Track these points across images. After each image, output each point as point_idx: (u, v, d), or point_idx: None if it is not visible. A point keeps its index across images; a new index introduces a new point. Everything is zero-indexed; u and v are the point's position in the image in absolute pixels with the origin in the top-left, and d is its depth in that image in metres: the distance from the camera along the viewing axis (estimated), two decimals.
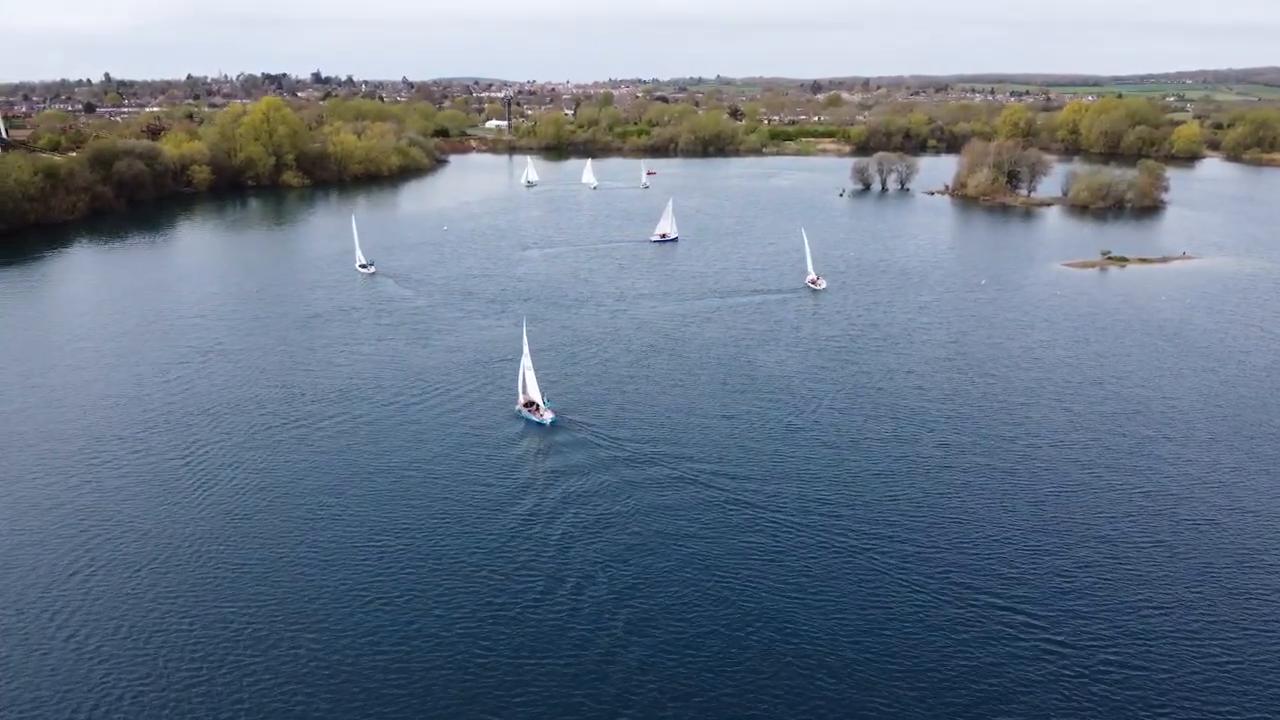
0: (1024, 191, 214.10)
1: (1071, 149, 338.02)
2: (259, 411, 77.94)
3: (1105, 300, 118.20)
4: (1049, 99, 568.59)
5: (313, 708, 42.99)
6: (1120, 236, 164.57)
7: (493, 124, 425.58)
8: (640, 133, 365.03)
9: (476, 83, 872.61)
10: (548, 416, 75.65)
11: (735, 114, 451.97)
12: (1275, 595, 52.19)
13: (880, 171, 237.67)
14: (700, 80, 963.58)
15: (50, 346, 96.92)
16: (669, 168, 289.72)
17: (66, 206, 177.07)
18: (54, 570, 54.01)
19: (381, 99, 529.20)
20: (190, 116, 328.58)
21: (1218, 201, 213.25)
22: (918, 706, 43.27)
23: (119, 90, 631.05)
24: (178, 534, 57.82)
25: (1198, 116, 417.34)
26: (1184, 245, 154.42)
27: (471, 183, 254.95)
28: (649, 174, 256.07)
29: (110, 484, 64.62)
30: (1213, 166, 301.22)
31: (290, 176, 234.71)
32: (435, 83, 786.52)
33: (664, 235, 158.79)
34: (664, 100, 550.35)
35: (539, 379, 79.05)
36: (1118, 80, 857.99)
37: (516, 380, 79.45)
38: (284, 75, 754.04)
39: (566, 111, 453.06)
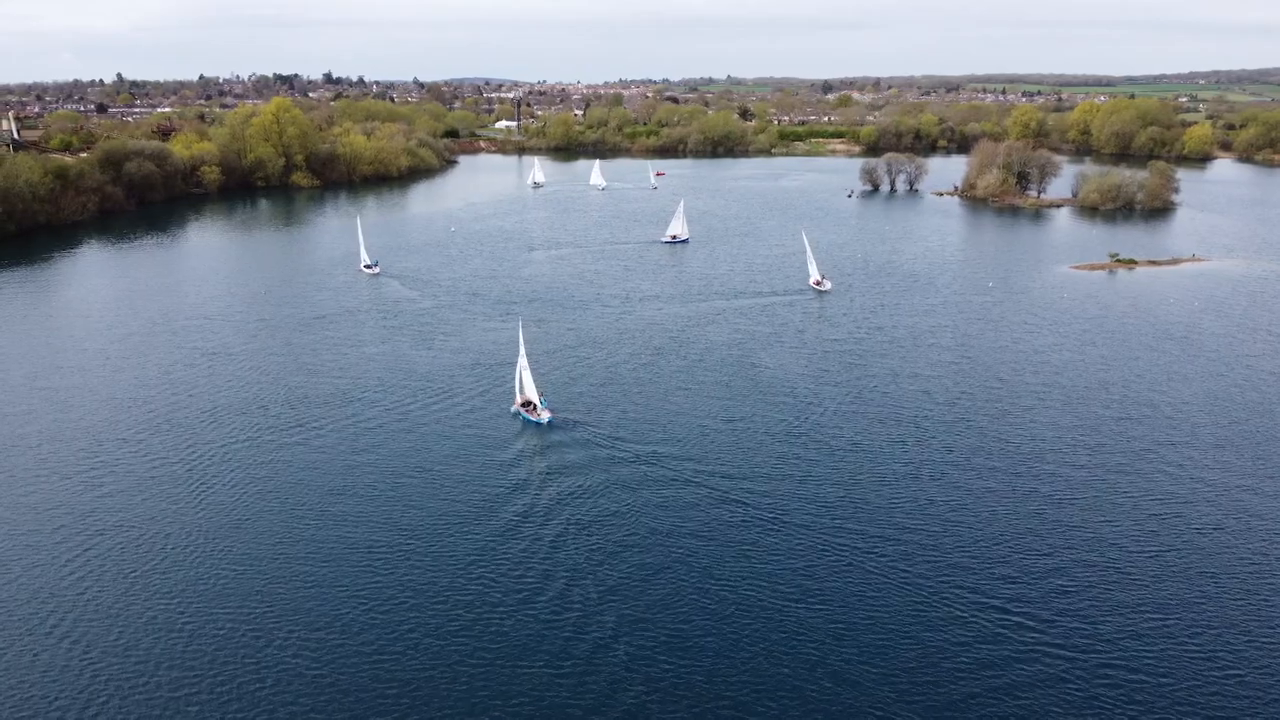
0: (1033, 193, 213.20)
1: (1083, 150, 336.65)
2: (261, 414, 78.10)
3: (1113, 303, 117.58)
4: (1061, 99, 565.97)
5: (307, 709, 42.96)
6: (1130, 238, 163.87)
7: (503, 125, 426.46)
8: (649, 133, 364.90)
9: (487, 83, 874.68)
10: (545, 416, 75.86)
11: (745, 114, 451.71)
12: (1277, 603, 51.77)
13: (889, 172, 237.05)
14: (711, 80, 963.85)
15: (57, 348, 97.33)
16: (678, 168, 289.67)
17: (76, 207, 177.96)
18: (50, 572, 54.10)
19: (392, 100, 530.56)
20: (202, 117, 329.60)
21: (1229, 203, 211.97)
22: (915, 711, 43.02)
23: (131, 91, 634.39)
24: (176, 537, 57.90)
25: (1210, 117, 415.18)
26: (1194, 247, 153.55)
27: (480, 183, 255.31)
28: (657, 175, 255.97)
29: (111, 486, 64.79)
30: (1224, 168, 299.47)
31: (300, 177, 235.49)
32: (446, 83, 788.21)
33: (675, 236, 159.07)
34: (674, 101, 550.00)
35: (541, 380, 79.17)
36: (1130, 80, 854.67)
37: (528, 385, 79.47)
38: (296, 76, 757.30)
39: (576, 112, 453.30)
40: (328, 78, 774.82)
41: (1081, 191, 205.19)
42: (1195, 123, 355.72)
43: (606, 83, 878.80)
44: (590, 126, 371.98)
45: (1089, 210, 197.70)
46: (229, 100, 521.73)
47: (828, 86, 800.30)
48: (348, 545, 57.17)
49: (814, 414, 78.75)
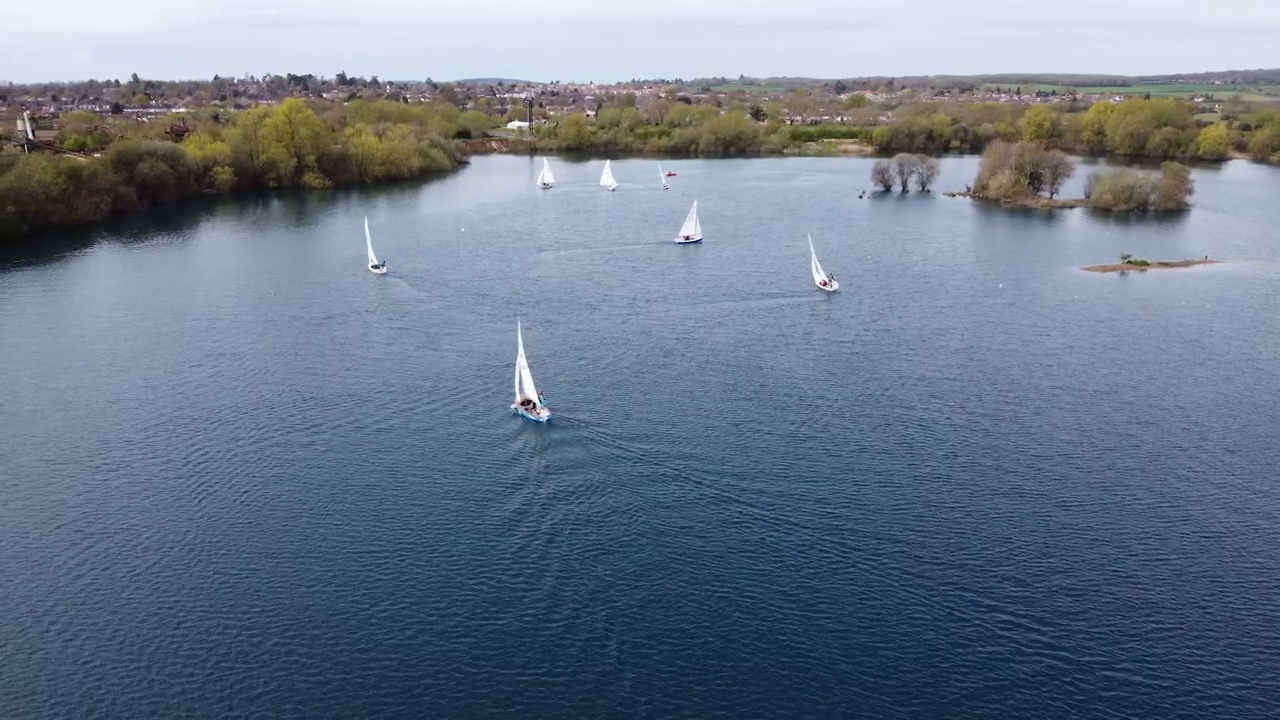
0: (1046, 193, 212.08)
1: (1096, 150, 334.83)
2: (266, 415, 78.24)
3: (1124, 305, 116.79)
4: (1075, 100, 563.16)
5: (304, 710, 42.93)
6: (1142, 239, 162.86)
7: (515, 125, 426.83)
8: (661, 134, 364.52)
9: (500, 84, 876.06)
10: (544, 415, 76.10)
11: (757, 115, 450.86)
12: None
13: (901, 173, 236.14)
14: (724, 80, 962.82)
15: (65, 348, 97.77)
16: (689, 169, 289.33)
17: (89, 207, 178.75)
18: (52, 573, 54.25)
19: (405, 100, 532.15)
20: (216, 118, 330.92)
21: (1243, 204, 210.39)
22: (914, 715, 42.81)
23: (146, 91, 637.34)
24: (178, 539, 58.00)
25: (1226, 117, 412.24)
26: (1206, 249, 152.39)
27: (491, 184, 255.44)
28: (669, 175, 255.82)
29: (115, 487, 64.97)
30: (1239, 168, 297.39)
31: (312, 178, 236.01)
32: (459, 84, 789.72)
33: (688, 237, 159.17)
34: (686, 101, 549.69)
35: (548, 381, 79.44)
36: (1145, 81, 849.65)
37: (528, 384, 79.59)
38: (309, 76, 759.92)
39: (588, 113, 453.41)
40: (341, 78, 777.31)
41: (1094, 192, 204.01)
42: (1210, 123, 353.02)
43: (619, 83, 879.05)
44: (602, 127, 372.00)
45: (1102, 211, 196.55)
46: (243, 101, 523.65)
47: (841, 87, 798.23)
48: (347, 546, 57.19)
49: (820, 416, 78.41)
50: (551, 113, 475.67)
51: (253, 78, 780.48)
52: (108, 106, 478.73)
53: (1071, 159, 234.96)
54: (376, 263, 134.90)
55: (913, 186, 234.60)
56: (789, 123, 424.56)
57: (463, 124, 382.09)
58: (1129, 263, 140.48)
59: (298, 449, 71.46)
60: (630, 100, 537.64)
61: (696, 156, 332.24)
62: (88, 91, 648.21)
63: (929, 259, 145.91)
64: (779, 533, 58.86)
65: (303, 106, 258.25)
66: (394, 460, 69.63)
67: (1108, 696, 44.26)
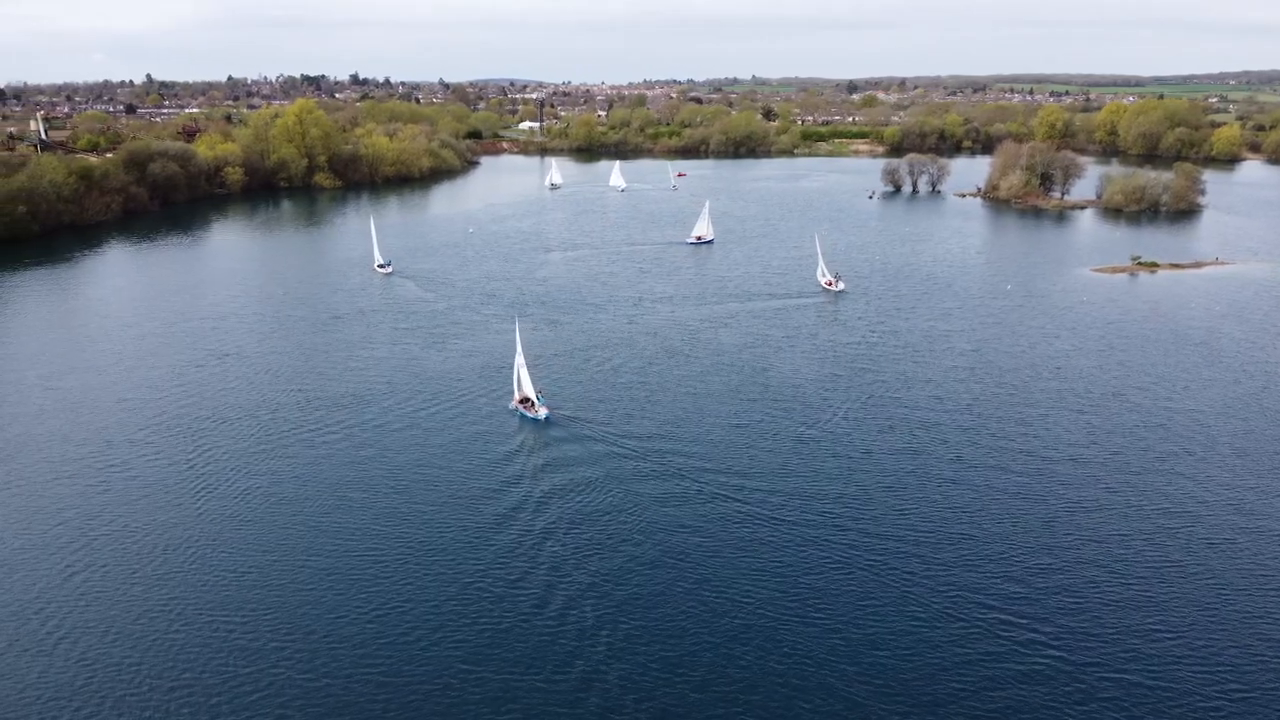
0: (1057, 194, 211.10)
1: (1109, 151, 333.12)
2: (270, 416, 78.37)
3: (1133, 307, 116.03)
4: (1089, 99, 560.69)
5: (296, 713, 42.97)
6: (1153, 240, 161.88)
7: (526, 125, 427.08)
8: (671, 134, 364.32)
9: (512, 84, 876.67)
10: (542, 413, 76.55)
11: (768, 115, 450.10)
12: None
13: (911, 173, 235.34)
14: (735, 80, 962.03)
15: (73, 348, 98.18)
16: (699, 169, 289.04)
17: (100, 208, 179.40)
18: (50, 574, 54.39)
19: (417, 100, 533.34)
20: (229, 118, 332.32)
21: (1255, 205, 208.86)
22: None
23: (160, 92, 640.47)
24: (178, 539, 58.12)
25: (1240, 118, 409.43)
26: (1217, 250, 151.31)
27: (500, 185, 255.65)
28: (678, 175, 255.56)
29: (117, 487, 65.16)
30: (1253, 169, 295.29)
31: (322, 178, 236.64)
32: (471, 84, 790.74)
33: (700, 237, 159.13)
34: (697, 101, 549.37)
35: (552, 381, 79.53)
36: (1159, 81, 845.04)
37: (526, 382, 79.80)
38: (322, 77, 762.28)
39: (599, 113, 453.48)
40: (354, 78, 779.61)
41: (1106, 193, 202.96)
42: (1224, 124, 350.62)
43: (631, 83, 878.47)
44: (612, 127, 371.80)
45: (1113, 212, 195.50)
46: (256, 101, 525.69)
47: (853, 86, 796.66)
48: (343, 547, 57.19)
49: (824, 418, 78.09)
50: (563, 113, 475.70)
51: (266, 78, 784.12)
52: (121, 107, 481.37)
53: (1084, 159, 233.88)
54: (382, 262, 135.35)
55: (923, 187, 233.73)
56: (800, 123, 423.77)
57: (474, 124, 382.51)
58: (1139, 264, 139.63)
59: (300, 449, 71.54)
60: (641, 100, 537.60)
61: (707, 157, 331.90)
62: (102, 92, 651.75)
63: (937, 260, 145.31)
64: (778, 532, 58.61)
65: (314, 107, 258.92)
66: (393, 459, 69.77)
67: (1107, 698, 43.90)
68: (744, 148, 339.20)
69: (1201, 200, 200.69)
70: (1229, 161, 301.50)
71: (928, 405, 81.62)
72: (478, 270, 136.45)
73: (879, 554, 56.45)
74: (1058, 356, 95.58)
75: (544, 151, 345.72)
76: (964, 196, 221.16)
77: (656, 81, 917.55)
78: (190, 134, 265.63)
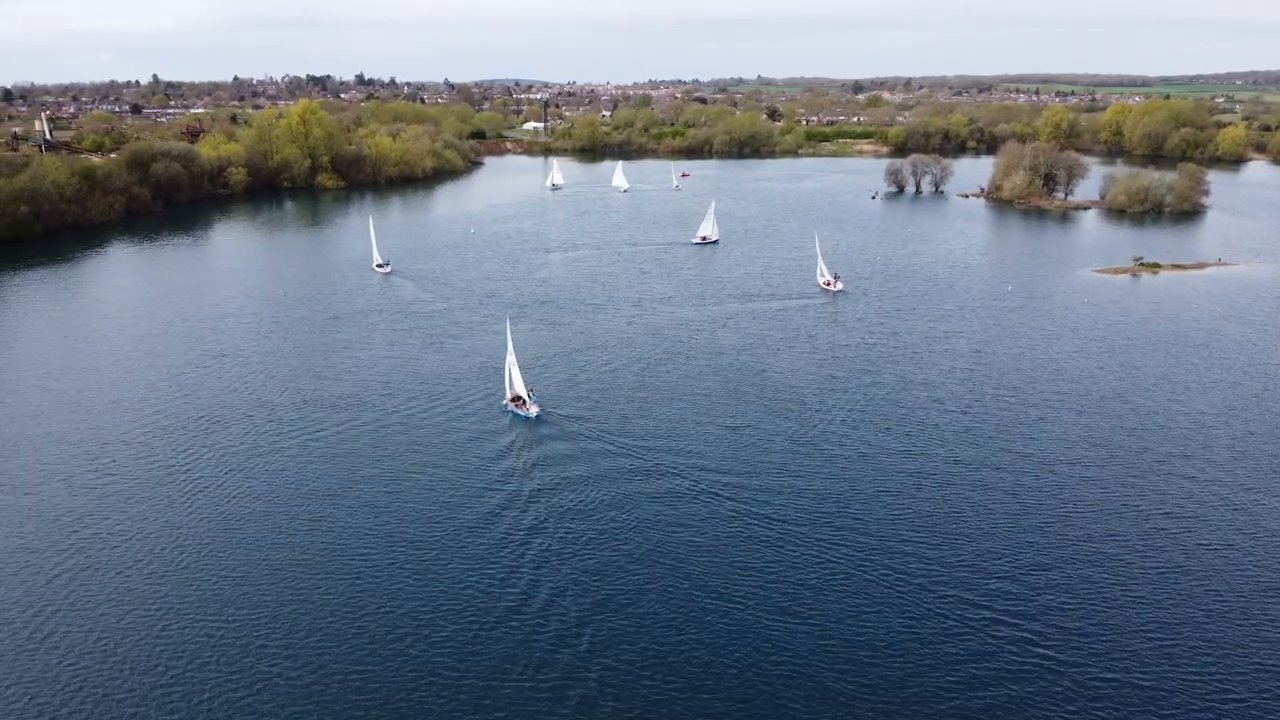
0: (1060, 195, 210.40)
1: (1115, 151, 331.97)
2: (265, 417, 78.34)
3: (1134, 308, 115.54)
4: (1094, 100, 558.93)
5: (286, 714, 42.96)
6: (1156, 241, 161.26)
7: (530, 126, 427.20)
8: (675, 134, 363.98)
9: (518, 84, 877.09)
10: (533, 411, 77.12)
11: (773, 115, 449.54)
12: None
13: (914, 174, 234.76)
14: (741, 80, 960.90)
15: (71, 348, 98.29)
16: (703, 169, 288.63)
17: (103, 208, 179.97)
18: (39, 575, 54.43)
19: (422, 101, 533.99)
20: (234, 119, 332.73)
21: (1260, 206, 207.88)
22: None
23: (166, 92, 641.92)
24: (167, 541, 58.10)
25: (1246, 118, 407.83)
26: (1220, 251, 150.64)
27: (503, 185, 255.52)
28: (682, 176, 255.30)
29: (110, 489, 65.15)
30: (1258, 170, 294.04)
31: (325, 179, 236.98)
32: (477, 84, 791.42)
33: (705, 238, 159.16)
34: (702, 101, 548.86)
35: (545, 380, 79.73)
36: (1166, 81, 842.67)
37: (517, 380, 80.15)
38: (328, 77, 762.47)
39: (604, 113, 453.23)
40: (360, 79, 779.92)
41: (1109, 193, 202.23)
42: (1230, 124, 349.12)
43: (636, 84, 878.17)
44: (616, 127, 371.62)
45: (1116, 213, 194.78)
46: (261, 101, 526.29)
47: (858, 87, 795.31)
48: (331, 548, 57.29)
49: (819, 420, 77.82)
50: (567, 113, 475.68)
51: (272, 78, 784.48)
52: (127, 107, 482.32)
53: (1088, 160, 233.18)
54: (381, 261, 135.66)
55: (926, 187, 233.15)
56: (805, 123, 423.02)
57: (478, 125, 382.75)
58: (1141, 265, 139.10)
59: (293, 450, 71.51)
60: (646, 101, 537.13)
61: (711, 157, 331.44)
62: (108, 92, 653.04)
63: (939, 260, 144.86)
64: (770, 531, 58.43)
65: (317, 107, 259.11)
66: (386, 458, 69.97)
67: (1100, 700, 43.63)
68: (748, 148, 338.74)
69: (1205, 201, 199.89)
70: (1234, 162, 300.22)
71: (925, 407, 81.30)
72: (477, 271, 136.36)
73: (871, 554, 56.24)
74: (1057, 358, 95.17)
75: (548, 152, 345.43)
76: (967, 197, 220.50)
77: (662, 82, 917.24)
78: (194, 134, 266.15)
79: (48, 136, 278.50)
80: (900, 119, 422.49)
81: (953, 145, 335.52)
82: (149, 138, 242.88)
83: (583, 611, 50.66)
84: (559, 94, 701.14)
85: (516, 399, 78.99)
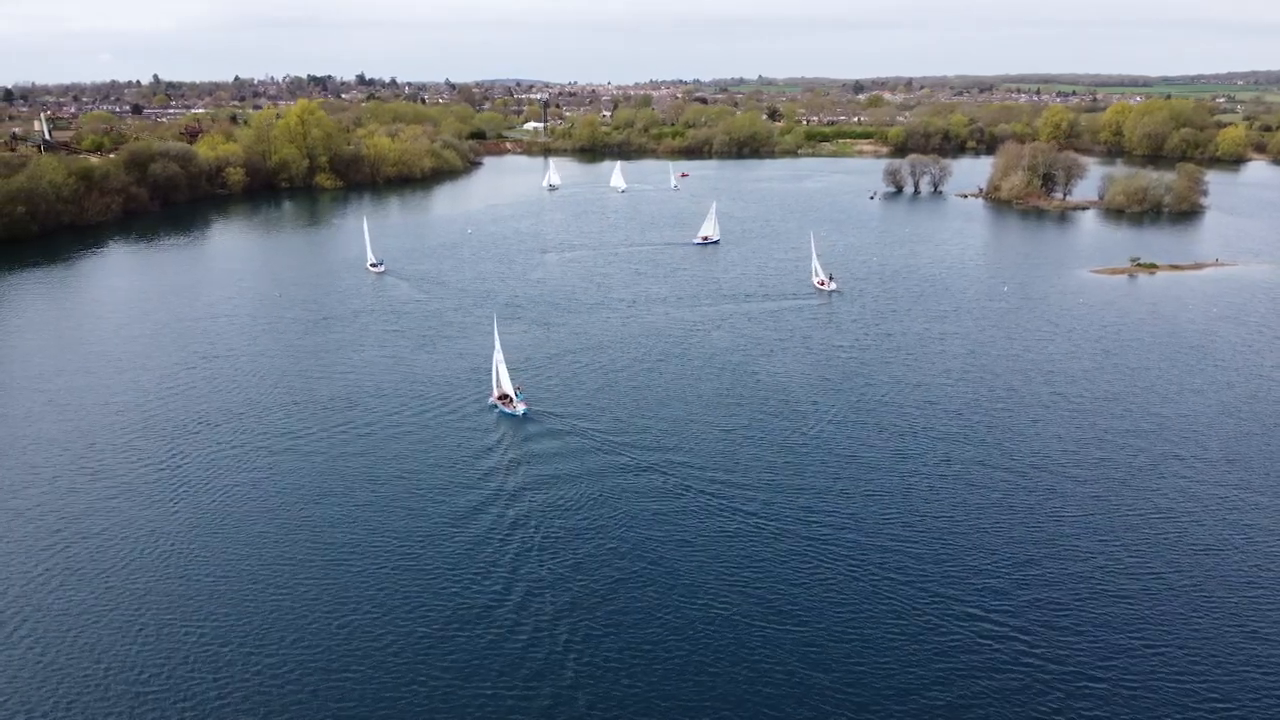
0: (1059, 195, 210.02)
1: (1115, 151, 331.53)
2: (254, 419, 78.10)
3: (1131, 309, 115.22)
4: (1095, 100, 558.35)
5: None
6: (1154, 241, 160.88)
7: (530, 126, 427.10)
8: (675, 134, 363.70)
9: (519, 84, 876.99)
10: (520, 409, 77.37)
11: (773, 115, 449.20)
12: (1276, 626, 50.05)
13: (913, 174, 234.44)
14: (742, 80, 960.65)
15: (64, 349, 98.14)
16: (702, 169, 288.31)
17: (100, 208, 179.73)
18: (22, 577, 54.20)
19: (423, 101, 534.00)
20: (234, 119, 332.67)
21: (1259, 206, 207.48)
22: None
23: (167, 92, 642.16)
24: (151, 545, 57.78)
25: (1246, 118, 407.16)
26: (1218, 251, 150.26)
27: (502, 185, 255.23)
28: (681, 176, 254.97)
29: (97, 491, 64.89)
30: (1258, 170, 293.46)
31: (323, 179, 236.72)
32: (477, 84, 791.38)
33: (706, 238, 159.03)
34: (703, 101, 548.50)
35: (535, 380, 79.77)
36: (1167, 81, 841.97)
37: (504, 378, 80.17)
38: (329, 77, 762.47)
39: (604, 113, 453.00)
40: (360, 79, 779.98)
41: (1108, 194, 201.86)
42: (1230, 124, 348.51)
43: (636, 84, 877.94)
44: (616, 128, 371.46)
45: (1115, 213, 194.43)
46: (261, 102, 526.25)
47: (859, 86, 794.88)
48: (315, 546, 57.26)
49: (811, 422, 77.53)
50: (568, 113, 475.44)
51: (272, 78, 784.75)
52: (128, 107, 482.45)
53: (1088, 160, 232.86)
54: (375, 261, 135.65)
55: (925, 187, 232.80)
56: (805, 123, 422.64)
57: (478, 125, 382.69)
58: (1138, 265, 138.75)
59: (281, 453, 71.26)
60: (647, 101, 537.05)
61: (710, 157, 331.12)
62: (109, 92, 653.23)
63: (935, 261, 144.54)
64: (756, 531, 58.14)
65: (315, 108, 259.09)
66: (373, 458, 69.97)
67: (1090, 700, 43.35)
68: (747, 148, 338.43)
69: (1204, 201, 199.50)
70: (1234, 162, 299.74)
71: (917, 410, 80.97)
72: (472, 271, 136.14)
73: (860, 551, 55.97)
74: (1051, 360, 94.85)
75: (547, 152, 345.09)
76: (965, 197, 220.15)
77: (662, 82, 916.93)
78: (193, 134, 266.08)
79: (47, 137, 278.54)
80: (901, 119, 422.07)
81: (952, 145, 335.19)
82: (147, 138, 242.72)
83: (560, 608, 50.60)
84: (560, 94, 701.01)
85: (503, 397, 79.15)
